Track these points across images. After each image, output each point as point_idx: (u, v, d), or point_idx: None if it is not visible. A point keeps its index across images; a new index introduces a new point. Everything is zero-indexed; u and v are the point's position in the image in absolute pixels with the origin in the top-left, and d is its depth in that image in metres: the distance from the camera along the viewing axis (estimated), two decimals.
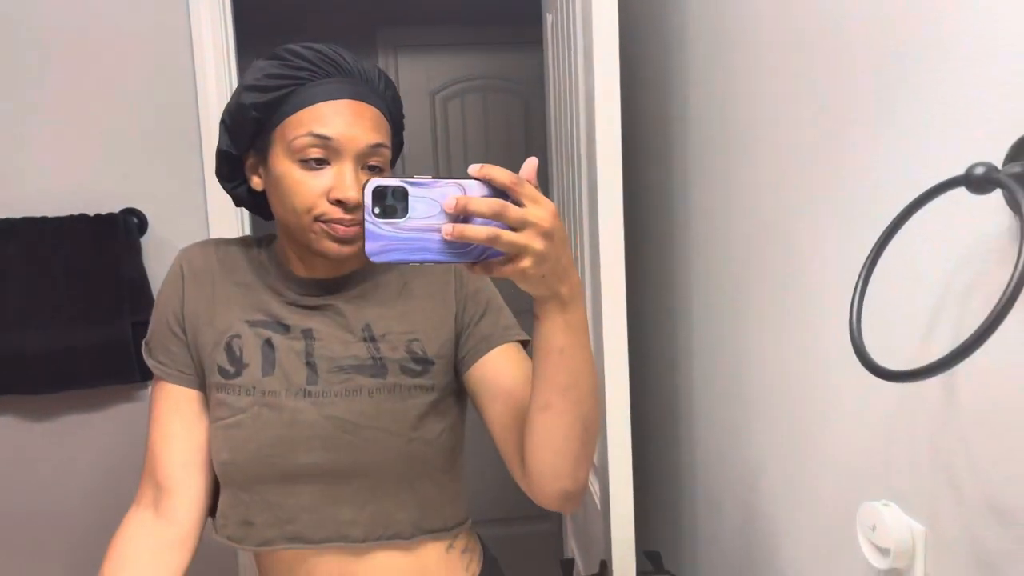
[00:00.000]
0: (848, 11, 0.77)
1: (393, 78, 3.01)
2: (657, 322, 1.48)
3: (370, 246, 0.68)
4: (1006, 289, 0.49)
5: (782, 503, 0.98)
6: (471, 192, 0.67)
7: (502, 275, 0.69)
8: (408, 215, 0.67)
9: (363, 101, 0.89)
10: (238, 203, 1.00)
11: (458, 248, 0.68)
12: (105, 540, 0.97)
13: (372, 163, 0.89)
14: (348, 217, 0.87)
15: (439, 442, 0.95)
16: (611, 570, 1.10)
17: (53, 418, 1.66)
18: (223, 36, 1.61)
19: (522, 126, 3.07)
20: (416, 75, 3.01)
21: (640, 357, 1.59)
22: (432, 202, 0.67)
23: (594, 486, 1.29)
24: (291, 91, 0.88)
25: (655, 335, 1.50)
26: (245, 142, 0.92)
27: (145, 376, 1.62)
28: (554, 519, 2.98)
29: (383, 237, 0.68)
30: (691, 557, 1.33)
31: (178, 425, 0.97)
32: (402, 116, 0.98)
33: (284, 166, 0.88)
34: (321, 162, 0.87)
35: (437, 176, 0.69)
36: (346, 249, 0.89)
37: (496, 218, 0.66)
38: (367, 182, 0.67)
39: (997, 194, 0.56)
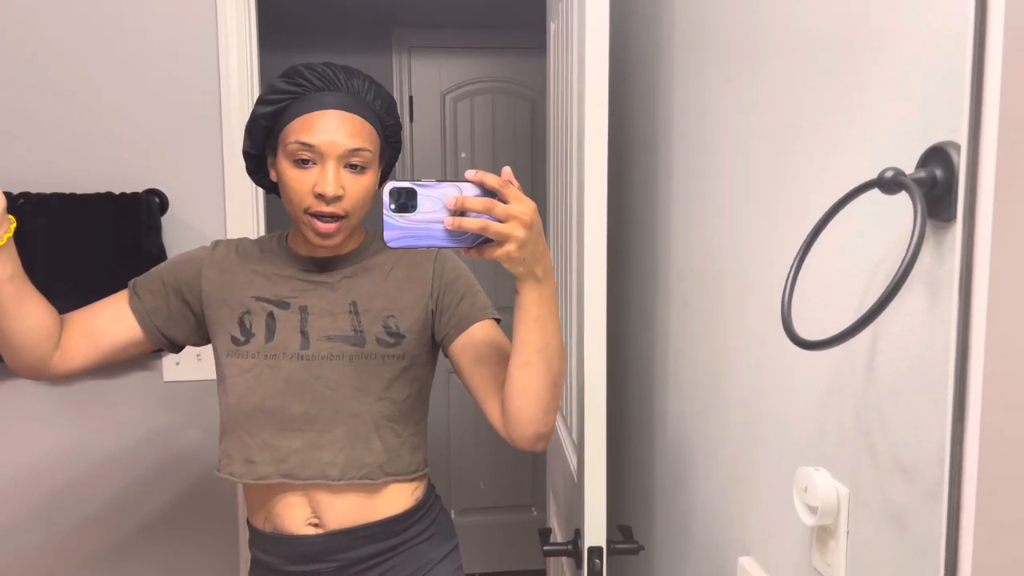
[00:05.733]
0: (783, 33, 0.87)
1: (406, 77, 3.12)
2: (636, 310, 1.58)
3: (387, 234, 0.85)
4: (896, 275, 0.58)
5: (738, 472, 1.08)
6: (467, 192, 0.84)
7: (491, 257, 0.86)
8: (417, 210, 0.84)
9: (348, 111, 1.06)
10: (267, 191, 1.19)
11: (457, 236, 0.85)
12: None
13: (353, 162, 1.06)
14: (328, 210, 1.05)
15: (405, 403, 1.13)
16: (584, 537, 1.20)
17: (70, 383, 1.77)
18: (247, 32, 1.71)
19: (528, 126, 3.17)
20: (428, 75, 3.12)
21: (620, 345, 1.69)
22: (436, 200, 0.84)
23: (572, 460, 1.39)
24: (289, 104, 1.06)
25: (635, 322, 1.60)
26: (260, 144, 1.12)
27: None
28: (541, 508, 3.07)
29: (397, 227, 0.84)
30: (662, 531, 1.42)
31: (106, 314, 1.14)
32: (395, 120, 1.14)
33: (283, 165, 1.07)
34: (309, 163, 1.04)
35: (441, 179, 0.88)
36: (325, 242, 1.07)
37: (486, 212, 0.83)
38: (385, 184, 0.84)
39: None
